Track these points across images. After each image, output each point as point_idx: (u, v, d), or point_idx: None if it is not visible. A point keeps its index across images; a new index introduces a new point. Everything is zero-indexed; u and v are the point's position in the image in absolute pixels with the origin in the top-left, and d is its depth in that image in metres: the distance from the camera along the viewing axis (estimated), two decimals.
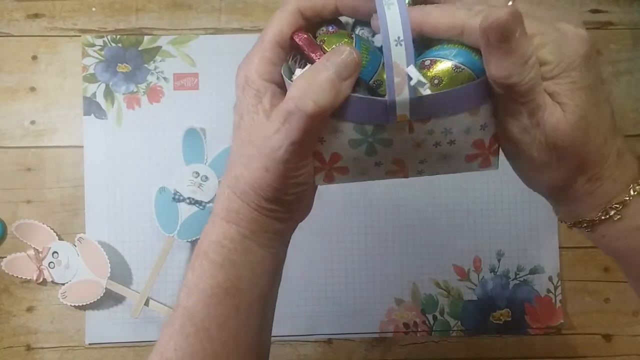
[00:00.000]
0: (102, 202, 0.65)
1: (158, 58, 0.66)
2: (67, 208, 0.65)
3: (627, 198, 0.30)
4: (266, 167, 0.31)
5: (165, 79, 0.66)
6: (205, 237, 0.35)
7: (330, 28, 0.33)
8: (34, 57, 0.66)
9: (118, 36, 0.66)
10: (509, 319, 0.65)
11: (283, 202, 0.33)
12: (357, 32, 0.33)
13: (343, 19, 0.34)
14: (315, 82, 0.28)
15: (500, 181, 0.66)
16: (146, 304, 0.63)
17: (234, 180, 0.33)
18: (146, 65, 0.66)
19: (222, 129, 0.66)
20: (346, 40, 0.30)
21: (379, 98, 0.29)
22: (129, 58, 0.66)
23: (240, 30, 0.67)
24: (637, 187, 0.31)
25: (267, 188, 0.31)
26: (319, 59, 0.30)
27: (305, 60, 0.31)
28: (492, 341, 0.66)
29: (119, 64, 0.66)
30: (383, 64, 0.29)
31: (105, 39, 0.66)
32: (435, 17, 0.29)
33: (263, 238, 0.34)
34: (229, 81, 0.66)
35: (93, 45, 0.66)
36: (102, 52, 0.66)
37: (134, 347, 0.65)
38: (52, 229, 0.64)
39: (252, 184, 0.32)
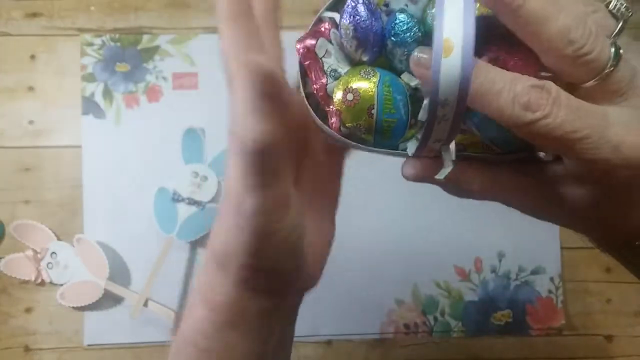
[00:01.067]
0: (100, 203, 0.64)
1: (157, 57, 0.66)
2: (65, 208, 0.65)
3: None
4: (238, 224, 0.24)
5: (164, 78, 0.66)
6: (189, 325, 0.28)
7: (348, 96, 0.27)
8: (32, 57, 0.66)
9: (117, 35, 0.66)
10: (510, 320, 0.65)
11: (269, 269, 0.26)
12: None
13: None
14: (238, 114, 0.22)
15: None
16: (145, 304, 0.62)
17: (212, 249, 0.26)
18: (145, 65, 0.66)
19: (221, 128, 0.65)
20: (365, 118, 0.27)
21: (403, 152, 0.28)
22: (127, 57, 0.66)
23: None
24: None
25: (243, 251, 0.24)
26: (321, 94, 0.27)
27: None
28: (493, 342, 0.65)
29: (117, 63, 0.66)
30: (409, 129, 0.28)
31: (103, 38, 0.66)
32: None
33: (252, 323, 0.27)
34: None
35: (92, 44, 0.66)
36: (101, 52, 0.66)
37: (133, 348, 0.64)
38: (51, 230, 0.64)
39: (227, 247, 0.25)
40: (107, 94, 0.66)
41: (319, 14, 0.29)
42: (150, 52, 0.66)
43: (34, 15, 0.66)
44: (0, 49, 0.66)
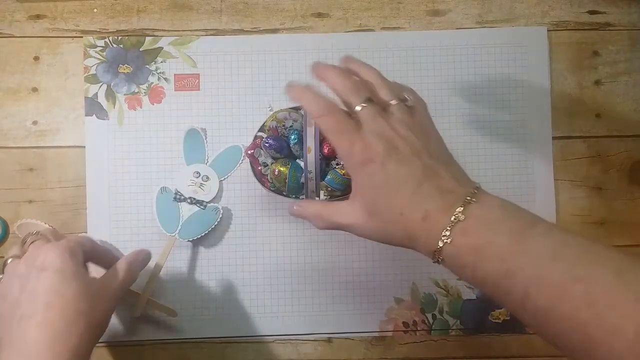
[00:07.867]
0: (103, 202, 0.65)
1: (159, 59, 0.67)
2: (69, 208, 0.66)
3: (440, 245, 0.40)
4: None
5: (166, 79, 0.67)
6: None
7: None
8: (36, 58, 0.67)
9: (119, 37, 0.67)
10: (508, 318, 0.66)
11: None
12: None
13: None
14: None
15: (499, 180, 0.67)
16: (147, 303, 0.63)
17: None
18: (147, 66, 0.67)
19: (222, 129, 0.66)
20: (283, 183, 0.56)
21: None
22: (130, 59, 0.67)
23: (241, 32, 0.67)
24: (444, 239, 0.39)
25: None
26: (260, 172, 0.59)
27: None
28: (492, 340, 0.66)
29: (120, 65, 0.67)
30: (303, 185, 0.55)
31: (106, 40, 0.67)
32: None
33: None
34: (230, 82, 0.67)
35: (95, 46, 0.67)
36: (104, 53, 0.67)
37: (135, 346, 0.65)
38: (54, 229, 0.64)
39: None
40: (110, 95, 0.66)
41: (254, 134, 0.59)
42: (153, 54, 0.67)
43: (38, 17, 0.67)
44: (4, 50, 0.67)
